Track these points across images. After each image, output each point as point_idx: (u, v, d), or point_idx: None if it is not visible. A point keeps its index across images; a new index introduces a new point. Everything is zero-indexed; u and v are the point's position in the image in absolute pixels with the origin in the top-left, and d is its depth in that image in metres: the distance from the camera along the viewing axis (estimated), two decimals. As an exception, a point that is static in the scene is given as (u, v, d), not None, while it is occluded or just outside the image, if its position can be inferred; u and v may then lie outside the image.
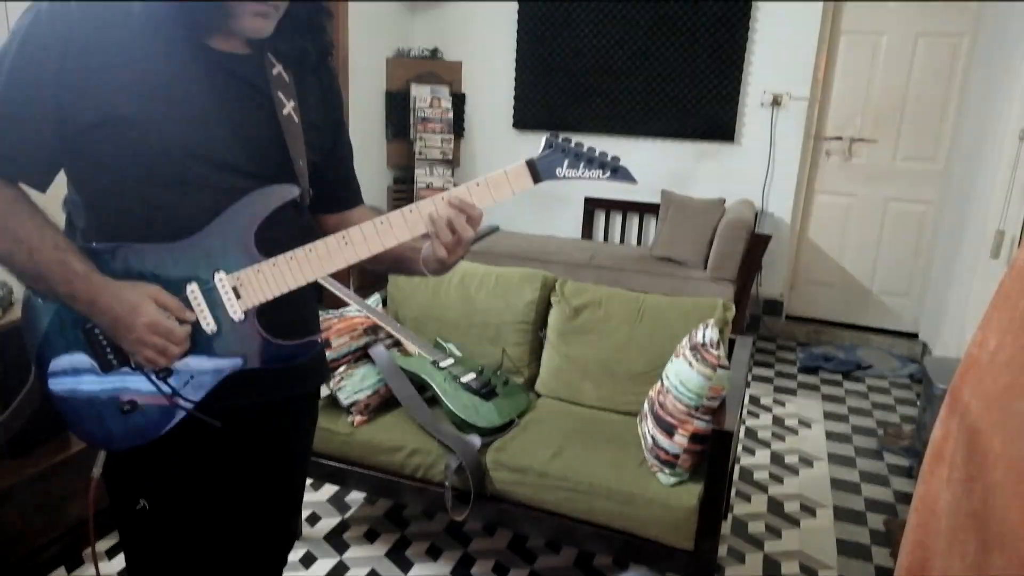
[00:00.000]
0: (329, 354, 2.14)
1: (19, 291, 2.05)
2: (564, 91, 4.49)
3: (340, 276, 2.09)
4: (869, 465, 2.92)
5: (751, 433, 3.13)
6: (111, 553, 2.16)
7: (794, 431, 3.18)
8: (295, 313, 1.15)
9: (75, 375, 1.05)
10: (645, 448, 1.98)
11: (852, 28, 4.08)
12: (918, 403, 3.37)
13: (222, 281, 1.04)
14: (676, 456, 1.87)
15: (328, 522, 2.39)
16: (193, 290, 1.03)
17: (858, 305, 4.39)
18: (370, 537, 2.32)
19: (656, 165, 4.35)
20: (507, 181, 1.05)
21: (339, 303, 2.31)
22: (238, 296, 1.04)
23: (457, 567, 2.19)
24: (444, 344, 2.40)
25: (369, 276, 3.90)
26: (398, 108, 4.58)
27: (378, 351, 2.22)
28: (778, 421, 3.27)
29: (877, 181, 4.21)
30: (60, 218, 1.06)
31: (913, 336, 4.24)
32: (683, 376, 1.88)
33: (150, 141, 0.98)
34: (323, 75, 1.18)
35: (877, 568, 2.28)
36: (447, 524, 2.38)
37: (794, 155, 4.15)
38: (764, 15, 4.05)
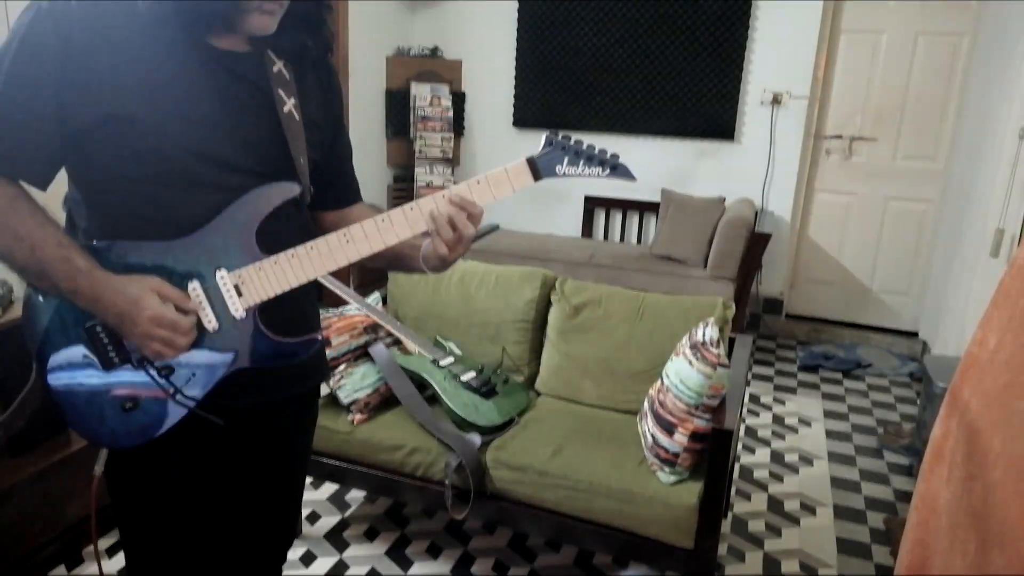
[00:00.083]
0: (329, 352, 2.14)
1: (19, 290, 2.06)
2: (564, 89, 4.48)
3: (340, 274, 2.08)
4: (869, 464, 2.92)
5: (751, 431, 3.13)
6: (111, 552, 2.16)
7: (794, 429, 3.18)
8: (296, 310, 1.15)
9: (76, 372, 1.04)
10: (645, 447, 1.98)
11: (852, 27, 4.08)
12: (918, 401, 3.37)
13: (224, 279, 1.04)
14: (676, 454, 1.87)
15: (328, 520, 2.39)
16: (195, 288, 1.03)
17: (858, 304, 4.39)
18: (370, 535, 2.32)
19: (656, 163, 4.35)
20: (507, 179, 1.06)
21: (339, 301, 2.31)
22: (240, 294, 1.05)
23: (457, 565, 2.19)
24: (444, 342, 2.40)
25: (369, 274, 3.90)
26: (398, 106, 4.58)
27: (378, 350, 2.22)
28: (778, 419, 3.27)
29: (877, 180, 4.21)
30: (60, 216, 1.06)
31: (913, 335, 4.24)
32: (683, 374, 1.89)
33: (151, 139, 0.98)
34: (323, 71, 1.18)
35: (877, 567, 2.28)
36: (447, 522, 2.38)
37: (794, 154, 4.15)
38: (764, 13, 4.05)
